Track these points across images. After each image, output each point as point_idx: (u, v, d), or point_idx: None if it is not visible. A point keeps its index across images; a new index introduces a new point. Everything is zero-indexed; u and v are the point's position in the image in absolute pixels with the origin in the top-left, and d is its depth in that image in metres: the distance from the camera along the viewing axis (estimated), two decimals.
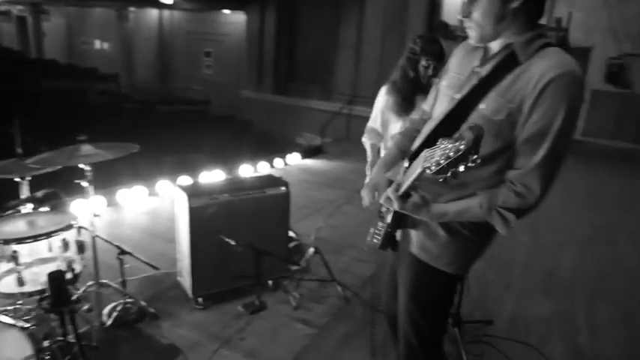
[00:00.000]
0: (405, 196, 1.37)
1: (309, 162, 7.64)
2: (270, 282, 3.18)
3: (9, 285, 2.08)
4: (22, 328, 1.74)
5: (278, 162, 7.08)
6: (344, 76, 11.30)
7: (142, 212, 4.80)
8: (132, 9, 18.10)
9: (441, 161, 1.09)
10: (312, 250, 3.25)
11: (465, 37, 2.60)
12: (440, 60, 2.59)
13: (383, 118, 2.75)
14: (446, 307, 1.67)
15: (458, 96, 1.46)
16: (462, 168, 1.07)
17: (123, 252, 2.75)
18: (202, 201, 2.81)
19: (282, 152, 7.48)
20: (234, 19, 15.72)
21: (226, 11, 16.16)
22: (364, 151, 2.90)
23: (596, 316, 3.21)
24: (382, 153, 2.91)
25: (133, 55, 18.56)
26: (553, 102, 1.27)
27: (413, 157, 1.43)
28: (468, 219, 1.44)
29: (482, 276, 3.51)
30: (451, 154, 1.07)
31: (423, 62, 2.57)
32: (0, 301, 2.19)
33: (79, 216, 2.37)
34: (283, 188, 3.11)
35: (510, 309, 3.21)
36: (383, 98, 2.73)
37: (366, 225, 1.74)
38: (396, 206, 1.38)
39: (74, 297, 1.65)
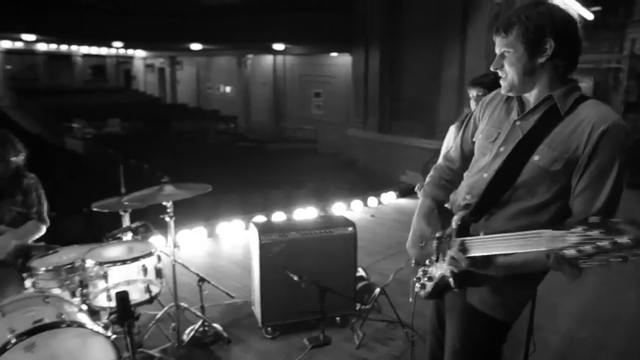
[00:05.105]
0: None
1: (404, 201, 7.62)
2: (338, 318, 3.27)
3: (101, 300, 2.48)
4: (108, 337, 2.07)
5: (372, 201, 7.17)
6: (446, 114, 11.16)
7: (238, 245, 5.20)
8: (250, 56, 19.99)
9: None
10: (377, 290, 3.28)
11: None
12: (492, 89, 2.58)
13: None
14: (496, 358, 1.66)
15: (503, 149, 1.52)
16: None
17: (202, 280, 3.08)
18: (272, 237, 3.05)
19: (381, 190, 7.60)
20: (341, 61, 16.51)
21: (334, 54, 17.05)
22: None
23: None
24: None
25: (250, 98, 20.36)
26: (609, 153, 1.35)
27: (474, 211, 1.51)
28: (531, 270, 1.44)
29: (570, 334, 3.23)
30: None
31: (471, 94, 2.67)
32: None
33: (162, 246, 2.74)
34: (350, 229, 3.23)
35: None
36: (452, 136, 2.84)
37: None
38: (464, 265, 1.43)
39: (137, 314, 1.93)
